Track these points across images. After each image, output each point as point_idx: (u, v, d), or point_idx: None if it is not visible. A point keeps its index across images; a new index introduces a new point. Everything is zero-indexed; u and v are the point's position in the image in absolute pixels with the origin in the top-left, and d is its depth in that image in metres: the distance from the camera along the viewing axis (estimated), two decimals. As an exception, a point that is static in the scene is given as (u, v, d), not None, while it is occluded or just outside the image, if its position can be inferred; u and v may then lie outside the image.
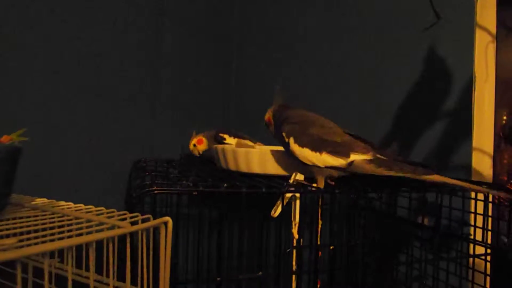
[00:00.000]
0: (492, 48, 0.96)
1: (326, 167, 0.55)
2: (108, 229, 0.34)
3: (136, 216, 0.37)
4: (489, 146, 0.96)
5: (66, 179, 0.85)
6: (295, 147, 0.57)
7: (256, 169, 0.61)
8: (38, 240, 0.29)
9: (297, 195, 0.54)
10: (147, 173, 0.57)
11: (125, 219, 0.36)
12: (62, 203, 0.45)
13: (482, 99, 0.95)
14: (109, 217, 0.37)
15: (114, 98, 0.91)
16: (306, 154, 0.56)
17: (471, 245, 0.64)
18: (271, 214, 0.55)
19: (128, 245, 0.33)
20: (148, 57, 0.97)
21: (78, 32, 0.87)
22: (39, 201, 0.46)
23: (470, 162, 0.93)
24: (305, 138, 0.57)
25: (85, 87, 0.88)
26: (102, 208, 0.41)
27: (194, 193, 0.44)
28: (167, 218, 0.35)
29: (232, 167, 0.64)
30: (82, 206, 0.43)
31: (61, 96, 0.85)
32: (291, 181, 0.56)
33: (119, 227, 0.34)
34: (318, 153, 0.56)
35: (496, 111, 0.95)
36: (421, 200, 0.81)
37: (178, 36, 1.01)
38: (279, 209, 0.55)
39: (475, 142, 0.94)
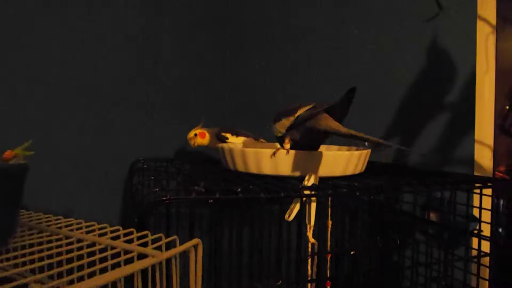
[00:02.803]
0: (492, 39, 0.95)
1: (286, 130, 0.60)
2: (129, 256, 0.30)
3: (160, 239, 0.33)
4: (489, 138, 0.95)
5: (59, 182, 0.81)
6: (274, 126, 0.65)
7: (267, 170, 0.58)
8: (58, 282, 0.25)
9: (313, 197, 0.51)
10: (152, 178, 0.54)
11: (146, 242, 0.33)
12: (72, 221, 0.41)
13: (482, 91, 0.93)
14: (127, 241, 0.33)
15: (108, 96, 0.87)
16: (274, 128, 0.64)
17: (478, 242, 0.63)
18: (286, 218, 0.52)
19: (158, 274, 0.29)
20: (142, 53, 0.93)
21: (69, 29, 0.82)
22: (44, 219, 0.41)
23: (472, 155, 0.92)
24: (277, 116, 0.65)
25: (76, 85, 0.83)
26: (119, 227, 0.37)
27: (209, 201, 0.41)
28: (197, 241, 0.32)
29: (240, 168, 0.61)
30: (95, 225, 0.39)
31: (52, 95, 0.80)
32: (305, 182, 0.53)
33: (142, 254, 0.30)
34: (279, 121, 0.62)
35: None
36: (428, 196, 0.80)
37: (173, 31, 0.97)
38: (294, 213, 0.52)
39: (476, 135, 0.93)
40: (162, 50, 0.96)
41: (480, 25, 0.95)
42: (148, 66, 0.93)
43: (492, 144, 0.95)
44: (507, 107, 1.05)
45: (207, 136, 0.81)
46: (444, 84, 0.93)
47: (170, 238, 0.33)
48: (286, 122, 0.60)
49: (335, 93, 0.99)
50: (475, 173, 0.92)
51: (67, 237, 0.34)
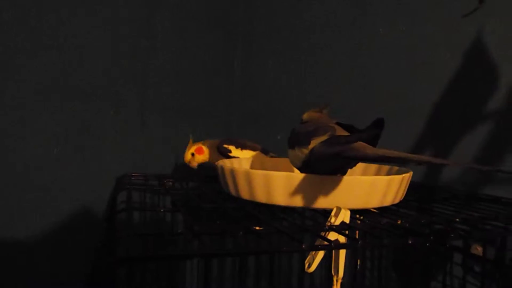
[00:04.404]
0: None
1: (302, 164, 0.46)
2: None
3: None
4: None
5: (24, 205, 0.68)
6: (289, 152, 0.50)
7: (280, 199, 0.44)
8: None
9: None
10: (126, 209, 0.40)
11: None
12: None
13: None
14: None
15: (92, 99, 0.74)
16: (289, 155, 0.50)
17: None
18: (306, 270, 0.38)
19: None
20: (135, 51, 0.79)
21: (47, 19, 0.69)
22: None
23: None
24: (290, 139, 0.50)
25: (53, 86, 0.70)
26: None
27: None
28: None
29: (244, 195, 0.47)
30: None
31: (20, 95, 0.67)
32: (332, 220, 0.39)
33: None
34: (293, 150, 0.49)
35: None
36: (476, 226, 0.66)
37: (171, 28, 0.84)
38: (317, 262, 0.38)
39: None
40: (159, 46, 0.82)
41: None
42: (142, 65, 0.80)
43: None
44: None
45: (206, 150, 0.69)
46: (486, 89, 0.79)
47: None
48: (300, 154, 0.45)
49: (355, 97, 0.87)
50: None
51: None
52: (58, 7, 0.70)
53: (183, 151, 0.72)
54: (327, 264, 0.42)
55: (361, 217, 0.43)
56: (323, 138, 0.43)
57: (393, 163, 0.53)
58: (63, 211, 0.71)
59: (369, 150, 0.41)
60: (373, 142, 0.44)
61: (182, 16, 0.85)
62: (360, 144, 0.41)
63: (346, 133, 0.45)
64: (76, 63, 0.72)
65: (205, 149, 0.70)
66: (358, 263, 0.53)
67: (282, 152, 0.73)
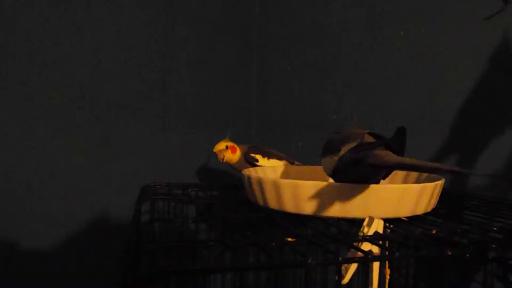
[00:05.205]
0: None
1: (332, 172, 0.46)
2: None
3: None
4: None
5: (46, 214, 0.68)
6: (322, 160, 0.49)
7: (309, 209, 0.44)
8: None
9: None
10: (153, 220, 0.40)
11: None
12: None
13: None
14: None
15: (113, 109, 0.75)
16: (323, 163, 0.49)
17: None
18: (341, 282, 0.37)
19: None
20: (154, 61, 0.80)
21: (70, 26, 0.71)
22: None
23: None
24: (324, 147, 0.50)
25: (75, 96, 0.72)
26: None
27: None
28: None
29: (272, 205, 0.46)
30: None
31: (42, 102, 0.68)
32: (365, 230, 0.39)
33: None
34: (324, 158, 0.48)
35: None
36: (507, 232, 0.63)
37: (191, 36, 0.85)
38: (351, 273, 0.37)
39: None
40: (177, 56, 0.83)
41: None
42: (161, 74, 0.81)
43: None
44: None
45: (238, 152, 0.67)
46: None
47: None
48: (331, 161, 0.45)
49: (374, 104, 0.85)
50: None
51: None
52: (77, 21, 0.72)
53: (203, 160, 0.71)
54: (364, 274, 0.41)
55: (391, 226, 0.41)
56: (353, 145, 0.43)
57: (414, 171, 0.53)
58: (86, 220, 0.72)
59: (390, 157, 0.40)
60: (400, 150, 0.43)
61: (199, 25, 0.86)
62: (382, 151, 0.41)
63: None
64: (96, 74, 0.73)
65: (238, 151, 0.68)
66: (388, 274, 0.52)
67: (304, 159, 0.73)
